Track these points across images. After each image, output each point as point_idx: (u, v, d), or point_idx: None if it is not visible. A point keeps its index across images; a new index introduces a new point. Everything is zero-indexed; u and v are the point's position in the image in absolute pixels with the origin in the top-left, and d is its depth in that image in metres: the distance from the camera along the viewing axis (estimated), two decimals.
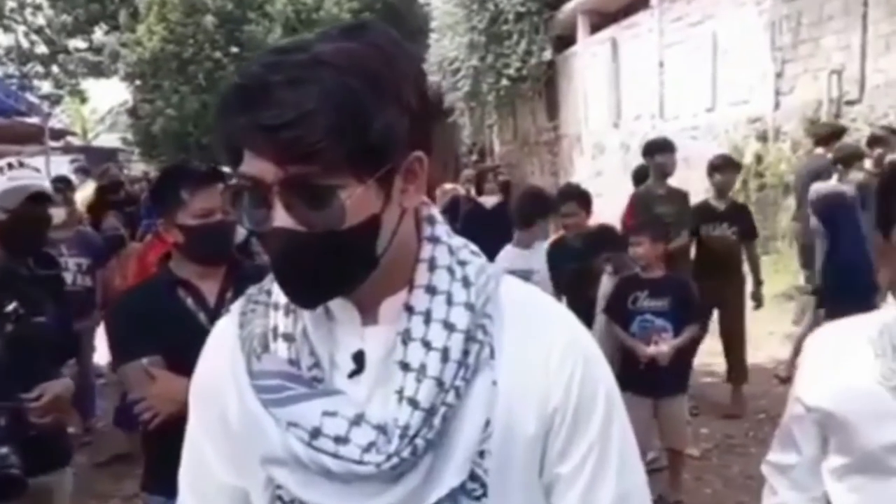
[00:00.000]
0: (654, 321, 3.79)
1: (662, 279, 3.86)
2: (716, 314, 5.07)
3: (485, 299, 0.89)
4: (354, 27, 0.84)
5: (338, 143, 0.76)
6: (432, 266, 0.90)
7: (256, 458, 0.88)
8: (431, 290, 0.88)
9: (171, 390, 1.90)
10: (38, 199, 2.38)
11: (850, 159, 5.22)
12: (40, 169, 2.54)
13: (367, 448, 0.83)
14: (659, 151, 5.22)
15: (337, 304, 0.89)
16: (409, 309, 0.88)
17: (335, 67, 0.77)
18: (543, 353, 0.90)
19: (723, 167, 5.22)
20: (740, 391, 5.20)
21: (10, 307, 2.31)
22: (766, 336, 5.99)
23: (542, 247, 4.37)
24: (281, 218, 0.80)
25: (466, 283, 0.89)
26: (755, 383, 5.28)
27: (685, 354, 3.85)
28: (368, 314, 0.89)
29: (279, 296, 0.91)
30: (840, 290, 4.65)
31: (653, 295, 3.84)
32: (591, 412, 0.90)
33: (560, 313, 0.98)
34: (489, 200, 6.14)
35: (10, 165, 2.38)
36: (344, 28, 0.84)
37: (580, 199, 4.43)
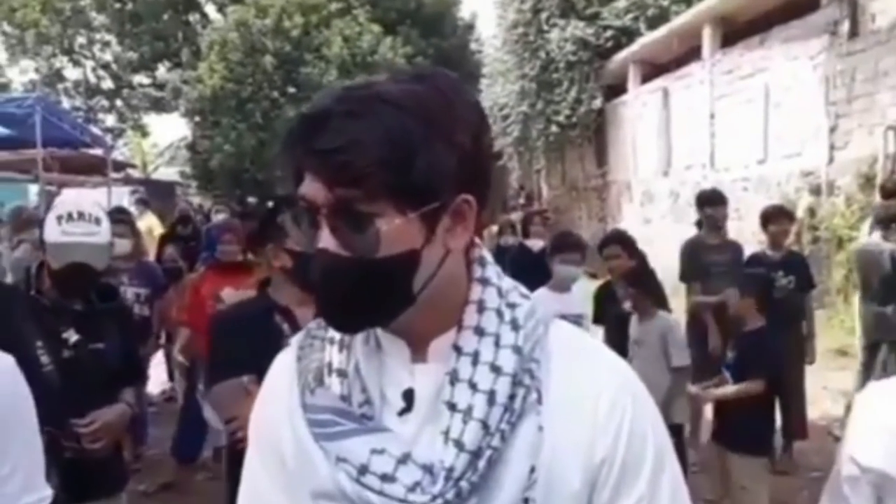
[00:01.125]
0: (724, 373, 3.88)
1: (743, 334, 3.89)
2: None
3: (533, 343, 0.89)
4: (423, 72, 0.89)
5: (382, 173, 0.80)
6: (481, 308, 0.90)
7: (307, 490, 0.90)
8: (480, 331, 0.89)
9: None
10: (89, 252, 2.33)
11: (890, 220, 5.15)
12: (101, 219, 2.40)
13: (413, 488, 0.84)
14: (708, 204, 5.26)
15: (388, 341, 0.91)
16: (458, 349, 0.88)
17: (393, 104, 0.82)
18: (591, 400, 0.89)
19: (775, 217, 5.17)
20: (792, 447, 5.08)
21: (67, 334, 2.36)
22: (820, 392, 5.85)
23: (578, 290, 4.35)
24: (325, 239, 0.84)
25: (515, 326, 0.90)
26: (809, 440, 5.15)
27: (751, 412, 3.68)
28: (418, 352, 0.90)
29: (335, 331, 0.93)
30: None
31: (733, 347, 3.96)
32: (641, 463, 0.89)
33: (610, 359, 0.96)
34: (536, 244, 6.17)
35: (69, 216, 2.33)
36: (413, 73, 0.89)
37: (623, 242, 4.47)
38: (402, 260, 0.84)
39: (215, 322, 2.54)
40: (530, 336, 0.90)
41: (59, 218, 2.32)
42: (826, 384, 5.86)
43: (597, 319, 4.47)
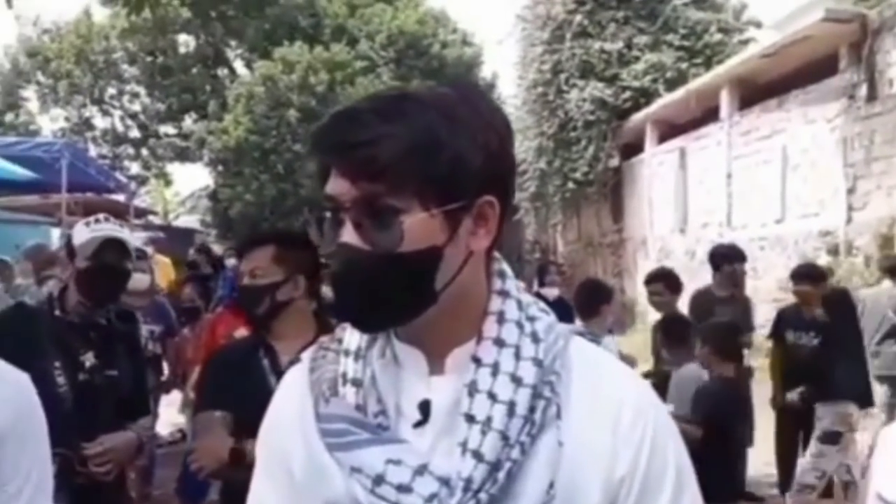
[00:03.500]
0: None
1: (706, 382, 3.88)
2: None
3: (553, 356, 0.88)
4: (452, 83, 0.93)
5: (407, 167, 0.81)
6: (501, 319, 0.89)
7: (319, 502, 0.88)
8: (500, 342, 0.88)
9: (215, 447, 1.98)
10: (117, 249, 2.44)
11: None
12: (124, 227, 2.65)
13: (430, 499, 0.82)
14: (723, 260, 5.28)
15: (405, 352, 0.90)
16: (477, 360, 0.87)
17: (420, 103, 0.85)
18: (612, 417, 0.88)
19: (799, 278, 5.14)
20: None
21: (84, 357, 2.39)
22: None
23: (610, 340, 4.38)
24: (348, 234, 0.84)
25: (535, 338, 0.89)
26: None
27: (699, 462, 3.62)
28: (436, 364, 0.89)
29: (350, 342, 0.93)
30: None
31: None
32: (661, 482, 0.87)
33: (630, 376, 0.96)
34: (551, 292, 6.20)
35: (96, 220, 2.52)
36: (449, 82, 0.94)
37: (667, 280, 4.56)
38: (425, 256, 0.83)
39: (207, 360, 2.63)
40: (550, 349, 0.89)
41: (87, 223, 2.49)
42: None
43: None
